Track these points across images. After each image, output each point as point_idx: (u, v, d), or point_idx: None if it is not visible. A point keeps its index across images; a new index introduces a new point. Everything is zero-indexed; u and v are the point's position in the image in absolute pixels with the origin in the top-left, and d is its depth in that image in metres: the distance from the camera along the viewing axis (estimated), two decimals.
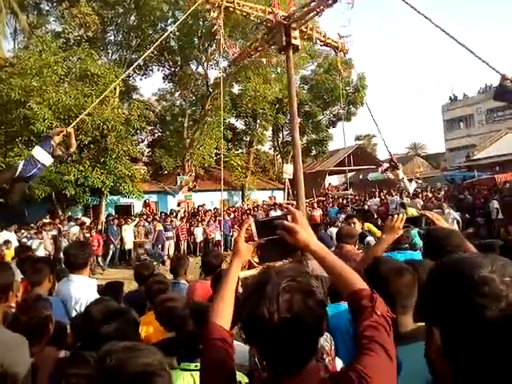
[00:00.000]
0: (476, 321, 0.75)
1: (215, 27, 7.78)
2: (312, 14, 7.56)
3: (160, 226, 14.81)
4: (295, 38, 7.64)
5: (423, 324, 1.62)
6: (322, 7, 7.29)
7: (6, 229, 11.83)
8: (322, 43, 8.88)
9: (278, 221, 1.44)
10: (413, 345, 1.49)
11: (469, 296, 0.77)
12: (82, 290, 3.00)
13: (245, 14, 7.71)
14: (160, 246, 14.50)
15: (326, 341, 1.93)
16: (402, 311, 1.58)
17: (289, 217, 1.43)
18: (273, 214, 17.79)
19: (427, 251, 2.18)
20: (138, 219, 15.45)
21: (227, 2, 7.35)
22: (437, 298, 0.84)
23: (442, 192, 17.43)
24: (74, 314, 2.84)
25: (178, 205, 21.07)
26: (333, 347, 1.94)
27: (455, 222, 8.69)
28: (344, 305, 2.12)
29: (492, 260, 0.81)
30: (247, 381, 1.83)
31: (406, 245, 3.49)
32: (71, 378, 0.74)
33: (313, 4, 7.42)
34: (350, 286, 1.23)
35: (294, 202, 11.54)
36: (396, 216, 2.19)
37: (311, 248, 1.36)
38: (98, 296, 2.95)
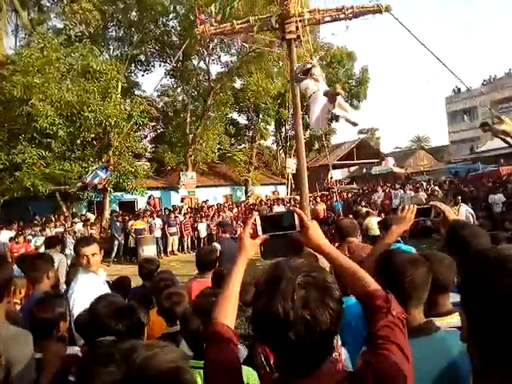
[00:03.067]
0: (501, 302, 0.77)
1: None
2: None
3: (138, 225, 14.33)
4: (290, 33, 7.62)
5: (433, 318, 1.62)
6: None
7: (6, 227, 11.90)
8: (352, 16, 7.99)
9: (295, 215, 1.42)
10: (423, 338, 1.48)
11: (495, 278, 0.79)
12: (87, 285, 3.02)
13: (233, 31, 7.83)
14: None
15: None
16: (416, 303, 1.55)
17: (295, 215, 1.42)
18: (276, 208, 17.81)
19: (450, 246, 2.12)
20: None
21: (215, 29, 7.54)
22: (468, 283, 0.88)
23: (446, 185, 17.32)
24: (79, 309, 2.84)
25: (182, 200, 21.10)
26: (339, 342, 1.93)
27: (470, 215, 8.43)
28: (352, 299, 2.09)
29: None
30: (256, 377, 1.82)
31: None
32: (98, 375, 0.74)
33: None
34: (364, 287, 1.22)
35: (298, 197, 11.52)
36: (407, 206, 2.13)
37: (322, 248, 1.37)
38: (104, 291, 2.96)
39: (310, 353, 1.00)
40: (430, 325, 1.55)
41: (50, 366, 2.08)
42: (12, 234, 11.58)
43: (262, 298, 1.03)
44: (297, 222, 1.40)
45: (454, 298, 1.83)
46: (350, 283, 1.29)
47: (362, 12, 8.01)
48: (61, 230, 12.99)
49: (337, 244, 3.72)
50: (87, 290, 2.92)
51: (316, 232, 1.39)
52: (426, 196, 14.44)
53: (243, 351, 2.06)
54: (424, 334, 1.50)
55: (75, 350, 2.35)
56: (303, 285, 1.00)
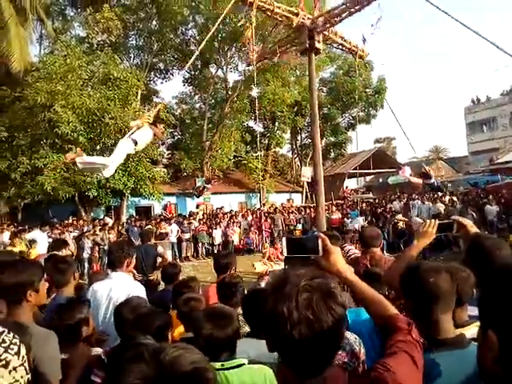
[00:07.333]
0: None
1: (246, 27, 7.94)
2: (344, 14, 7.43)
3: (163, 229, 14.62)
4: (319, 42, 7.64)
5: (463, 331, 1.60)
6: (355, 8, 7.23)
7: (41, 228, 11.98)
8: (340, 46, 8.79)
9: (319, 240, 1.46)
10: (457, 351, 1.46)
11: None
12: (121, 286, 3.09)
13: (273, 14, 7.63)
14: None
15: (355, 343, 1.92)
16: (442, 308, 1.52)
17: (319, 241, 1.46)
18: (292, 217, 17.82)
19: (472, 258, 2.05)
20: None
21: (260, 1, 7.32)
22: (497, 299, 0.83)
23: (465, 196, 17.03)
24: (111, 309, 2.88)
25: (197, 207, 21.24)
26: (362, 350, 1.93)
27: None
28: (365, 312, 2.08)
29: None
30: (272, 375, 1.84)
31: None
32: (128, 373, 0.77)
33: (343, 6, 7.36)
34: (386, 311, 1.31)
35: (312, 205, 11.45)
36: (428, 221, 2.14)
37: (343, 274, 1.42)
38: (137, 291, 3.02)
39: (314, 354, 1.02)
40: (463, 337, 1.52)
41: (76, 366, 2.14)
42: (44, 234, 11.68)
43: (268, 301, 1.07)
44: (320, 246, 1.45)
45: (472, 311, 1.81)
46: (371, 308, 1.36)
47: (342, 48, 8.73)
48: (75, 234, 13.19)
49: (359, 252, 3.71)
50: (121, 289, 3.01)
51: (338, 258, 1.44)
52: (443, 207, 14.24)
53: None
54: (458, 347, 1.47)
55: (98, 351, 2.41)
56: (307, 288, 1.03)
